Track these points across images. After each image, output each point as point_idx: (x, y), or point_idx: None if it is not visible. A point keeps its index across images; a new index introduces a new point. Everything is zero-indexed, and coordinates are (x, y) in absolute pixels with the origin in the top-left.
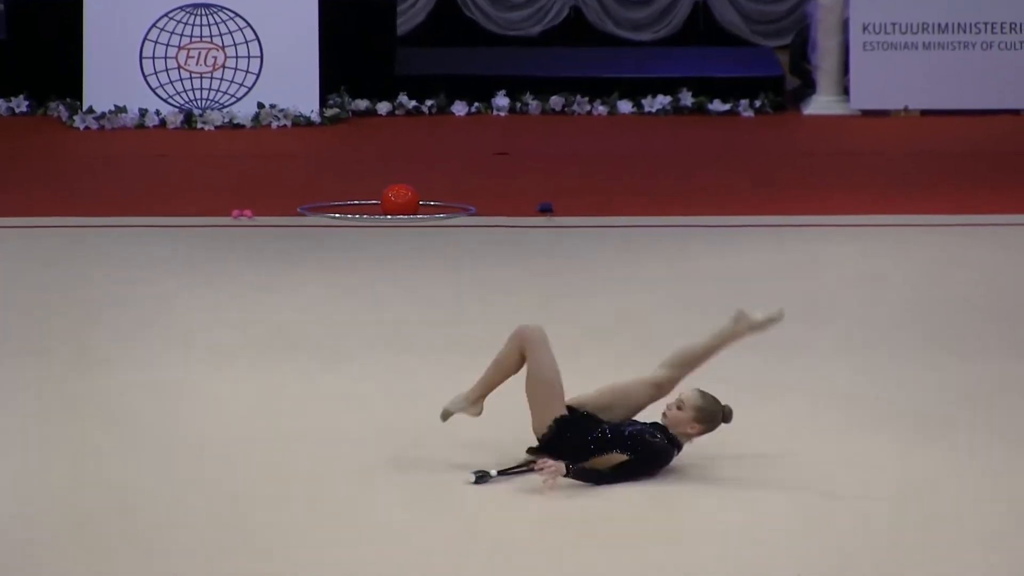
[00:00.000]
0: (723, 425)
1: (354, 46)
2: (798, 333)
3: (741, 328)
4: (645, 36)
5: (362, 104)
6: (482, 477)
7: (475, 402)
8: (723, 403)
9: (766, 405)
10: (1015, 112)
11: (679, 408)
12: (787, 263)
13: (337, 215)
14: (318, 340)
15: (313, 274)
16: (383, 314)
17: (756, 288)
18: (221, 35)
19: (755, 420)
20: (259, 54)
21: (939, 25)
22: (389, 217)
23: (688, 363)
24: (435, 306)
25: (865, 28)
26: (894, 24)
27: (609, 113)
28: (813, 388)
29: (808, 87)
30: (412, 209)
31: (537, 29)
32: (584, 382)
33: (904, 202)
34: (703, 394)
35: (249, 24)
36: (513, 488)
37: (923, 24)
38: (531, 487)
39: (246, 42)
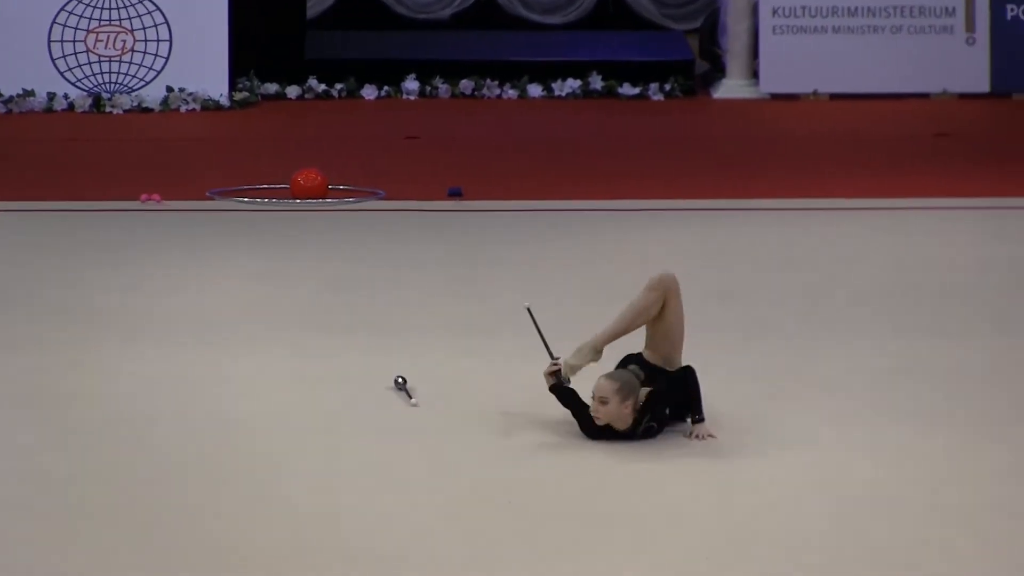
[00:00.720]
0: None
1: (263, 30)
2: (711, 315)
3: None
4: (555, 19)
5: (271, 88)
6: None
7: (599, 349)
8: (628, 368)
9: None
10: (924, 96)
11: (603, 404)
12: (697, 246)
13: (246, 199)
14: (227, 323)
15: (221, 258)
16: (292, 297)
17: (664, 267)
18: (130, 18)
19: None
20: (168, 38)
21: (848, 9)
22: (298, 201)
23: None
24: (345, 289)
25: (775, 12)
26: (803, 8)
27: (519, 97)
28: (730, 365)
29: (718, 71)
30: (321, 193)
31: (447, 12)
32: (497, 363)
33: (814, 186)
34: (608, 377)
35: (158, 7)
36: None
37: (832, 8)
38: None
39: (155, 25)
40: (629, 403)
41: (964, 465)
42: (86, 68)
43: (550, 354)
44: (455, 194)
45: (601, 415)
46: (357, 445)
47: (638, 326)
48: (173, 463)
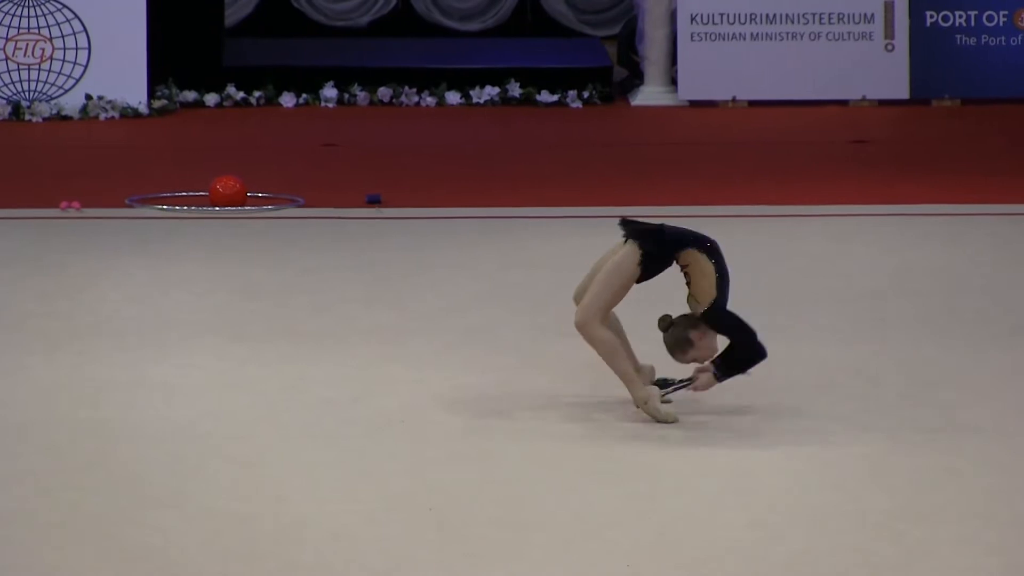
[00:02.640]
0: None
1: (182, 37)
2: (635, 321)
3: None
4: (473, 26)
5: (190, 95)
6: (664, 385)
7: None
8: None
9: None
10: (843, 103)
11: (692, 347)
12: None
13: (165, 206)
14: (146, 330)
15: (141, 265)
16: (211, 304)
17: (582, 276)
18: (49, 26)
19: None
20: (87, 45)
21: (767, 16)
22: (217, 208)
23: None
24: (263, 296)
25: (693, 19)
26: (722, 15)
27: (437, 104)
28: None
29: (636, 78)
30: (240, 200)
31: (365, 19)
32: (416, 369)
33: (732, 193)
34: (670, 348)
35: (77, 16)
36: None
37: (751, 15)
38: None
39: (74, 33)
40: (694, 333)
41: (884, 472)
42: (5, 76)
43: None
44: (374, 201)
45: (701, 358)
46: (275, 452)
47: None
48: (78, 468)
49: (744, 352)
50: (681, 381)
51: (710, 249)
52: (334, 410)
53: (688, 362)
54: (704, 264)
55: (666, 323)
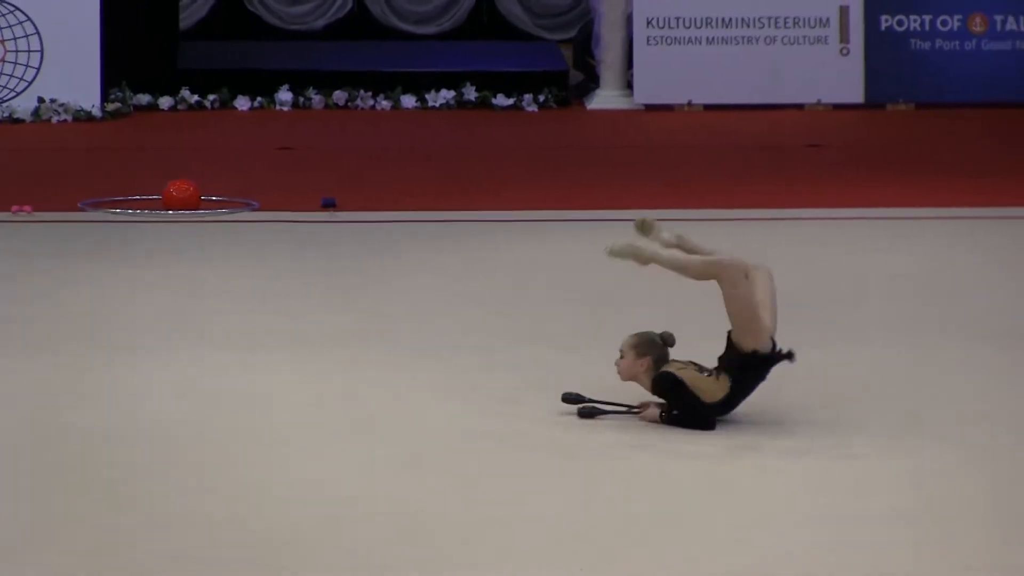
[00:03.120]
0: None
1: (136, 40)
2: (585, 324)
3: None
4: (429, 30)
5: (144, 99)
6: (585, 409)
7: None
8: (659, 332)
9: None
10: (798, 106)
11: (621, 357)
12: (576, 255)
13: (118, 210)
14: (99, 335)
15: (93, 269)
16: (164, 308)
17: (542, 279)
18: (0, 29)
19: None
20: (39, 48)
21: (723, 20)
22: (171, 212)
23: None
24: (217, 300)
25: (649, 22)
26: (678, 19)
27: (392, 108)
28: (607, 377)
29: (592, 82)
30: (194, 204)
31: (320, 23)
32: (372, 373)
33: (687, 197)
34: (634, 334)
35: (29, 18)
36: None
37: (706, 19)
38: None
39: (26, 36)
40: (644, 360)
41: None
42: None
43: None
44: (329, 205)
45: (619, 370)
46: (237, 456)
47: (676, 271)
48: (42, 471)
49: (689, 422)
50: (620, 406)
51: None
52: (293, 415)
53: (620, 352)
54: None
55: (668, 341)
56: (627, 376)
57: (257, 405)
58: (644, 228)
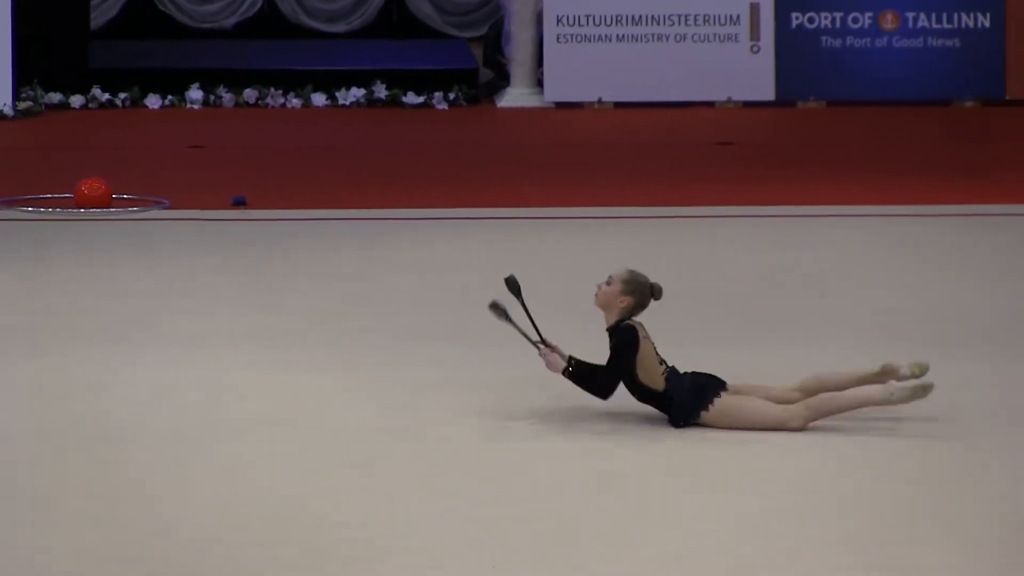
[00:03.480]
0: (653, 303)
1: (47, 39)
2: (491, 322)
3: (886, 395)
4: (339, 28)
5: (56, 97)
6: (501, 312)
7: None
8: (652, 281)
9: (460, 393)
10: (709, 104)
11: (608, 283)
12: (483, 254)
13: (30, 208)
14: (10, 333)
15: (4, 268)
16: (77, 306)
17: (450, 278)
18: None
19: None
20: None
21: (633, 17)
22: (82, 210)
23: (823, 412)
24: (129, 299)
25: (559, 20)
26: (588, 16)
27: (303, 106)
28: (516, 375)
29: (502, 79)
30: (105, 202)
31: (231, 21)
32: (282, 372)
33: (597, 194)
34: (631, 271)
35: None
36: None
37: (616, 16)
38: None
39: None
40: (627, 300)
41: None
42: None
43: (536, 341)
44: (239, 203)
45: (597, 294)
46: (145, 455)
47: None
48: None
49: (595, 380)
50: (532, 338)
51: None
52: (203, 413)
53: (607, 281)
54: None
55: (657, 294)
56: (601, 303)
57: (158, 403)
58: None
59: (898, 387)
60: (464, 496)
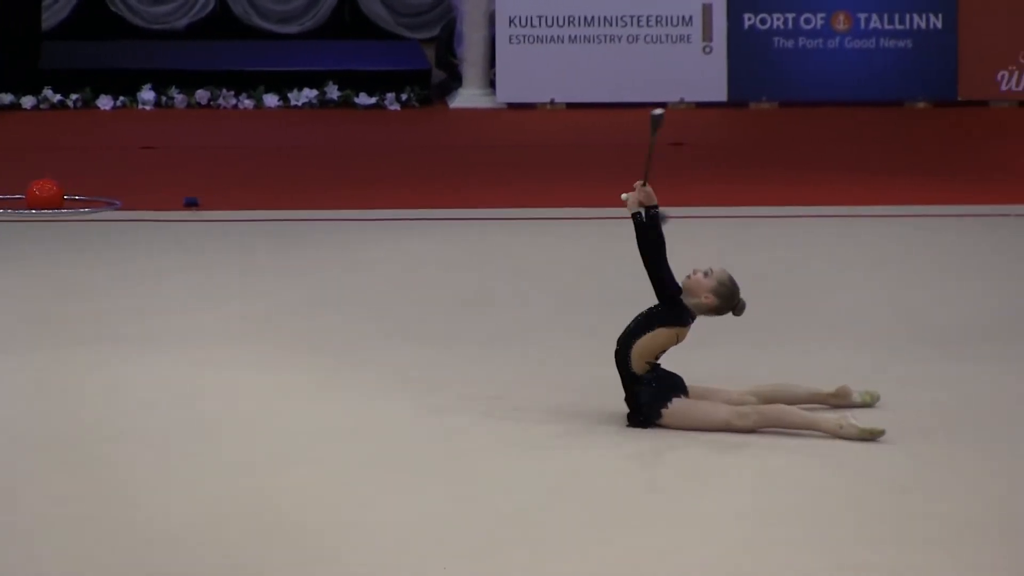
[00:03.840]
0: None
1: None
2: (445, 324)
3: (835, 426)
4: (291, 29)
5: (7, 98)
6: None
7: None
8: (742, 296)
9: (419, 393)
10: (662, 105)
11: (705, 275)
12: (433, 254)
13: None
14: None
15: None
16: (29, 307)
17: (403, 278)
18: None
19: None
20: None
21: (585, 18)
22: (33, 211)
23: (772, 423)
24: (82, 299)
25: (511, 21)
26: (540, 17)
27: (255, 107)
28: (471, 376)
29: (454, 80)
30: (57, 203)
31: (183, 22)
32: (231, 372)
33: (549, 195)
34: (731, 276)
35: None
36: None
37: (569, 17)
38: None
39: None
40: (712, 299)
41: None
42: None
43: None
44: (191, 204)
45: (691, 279)
46: (97, 455)
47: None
48: None
49: (657, 246)
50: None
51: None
52: (156, 414)
53: (704, 271)
54: None
55: (741, 308)
56: (688, 286)
57: (114, 404)
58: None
59: (849, 423)
60: (422, 496)
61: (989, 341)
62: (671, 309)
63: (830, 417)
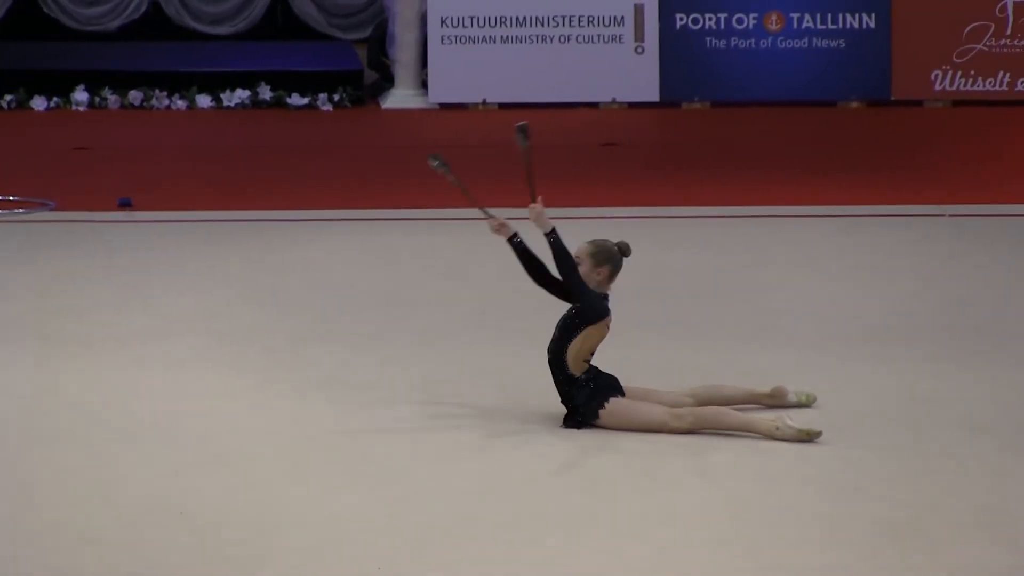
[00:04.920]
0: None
1: None
2: (373, 324)
3: (771, 427)
4: (223, 30)
5: None
6: (441, 164)
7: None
8: (615, 241)
9: (353, 398)
10: (593, 105)
11: (578, 262)
12: (365, 254)
13: None
14: None
15: None
16: None
17: (331, 279)
18: None
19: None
20: None
21: (516, 19)
22: None
23: (708, 424)
24: (14, 300)
25: (443, 22)
26: (472, 18)
27: (188, 107)
28: (401, 376)
29: (387, 81)
30: None
31: (116, 24)
32: (167, 371)
33: (480, 196)
34: (592, 241)
35: None
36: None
37: (500, 18)
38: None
39: None
40: (602, 269)
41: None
42: None
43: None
44: (125, 204)
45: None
46: (28, 456)
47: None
48: None
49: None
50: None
51: None
52: (87, 414)
53: (576, 258)
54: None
55: (624, 250)
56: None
57: (39, 403)
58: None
59: (786, 424)
60: (349, 496)
61: (921, 340)
62: (590, 306)
63: (766, 418)
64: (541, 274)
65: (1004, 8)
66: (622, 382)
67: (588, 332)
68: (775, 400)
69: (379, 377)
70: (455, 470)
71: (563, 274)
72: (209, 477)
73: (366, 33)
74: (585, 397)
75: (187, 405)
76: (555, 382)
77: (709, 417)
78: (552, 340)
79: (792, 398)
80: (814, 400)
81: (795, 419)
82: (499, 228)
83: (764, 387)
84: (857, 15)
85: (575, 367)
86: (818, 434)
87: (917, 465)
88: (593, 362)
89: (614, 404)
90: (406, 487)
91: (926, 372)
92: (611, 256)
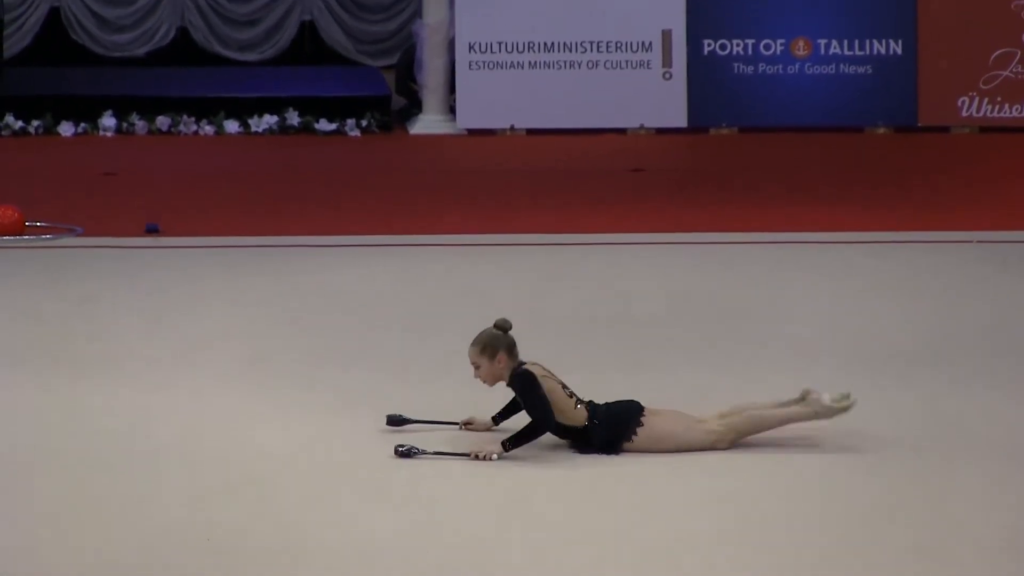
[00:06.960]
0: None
1: None
2: (402, 347)
3: (809, 411)
4: (252, 56)
5: None
6: (407, 453)
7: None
8: (493, 322)
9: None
10: (621, 131)
11: (477, 368)
12: (392, 279)
13: None
14: None
15: None
16: None
17: (361, 303)
18: None
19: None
20: None
21: (545, 44)
22: None
23: (747, 430)
24: (42, 324)
25: (471, 48)
26: (500, 43)
27: (216, 133)
28: (417, 402)
29: (415, 107)
30: (18, 229)
31: (144, 50)
32: (188, 396)
33: (509, 221)
34: (473, 343)
35: None
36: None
37: (529, 43)
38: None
39: None
40: (499, 357)
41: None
42: None
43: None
44: (153, 230)
45: (483, 380)
46: (55, 480)
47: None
48: None
49: (532, 428)
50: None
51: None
52: (111, 438)
53: (473, 364)
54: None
55: (504, 327)
56: (494, 381)
57: (69, 428)
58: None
59: (822, 405)
60: (374, 520)
61: (948, 363)
62: (525, 387)
63: (801, 405)
64: (549, 422)
65: None
66: (648, 405)
67: (539, 393)
68: (809, 404)
69: (405, 400)
70: (480, 492)
71: (538, 423)
72: (233, 501)
73: (394, 59)
74: (602, 438)
75: (212, 429)
76: (571, 446)
77: (746, 424)
78: (531, 420)
79: (826, 399)
80: (847, 398)
81: (824, 396)
82: (484, 457)
83: (793, 395)
84: (884, 41)
85: (574, 419)
86: (850, 399)
87: (944, 487)
88: (603, 391)
89: (646, 430)
90: (432, 510)
91: (953, 394)
92: (496, 340)
